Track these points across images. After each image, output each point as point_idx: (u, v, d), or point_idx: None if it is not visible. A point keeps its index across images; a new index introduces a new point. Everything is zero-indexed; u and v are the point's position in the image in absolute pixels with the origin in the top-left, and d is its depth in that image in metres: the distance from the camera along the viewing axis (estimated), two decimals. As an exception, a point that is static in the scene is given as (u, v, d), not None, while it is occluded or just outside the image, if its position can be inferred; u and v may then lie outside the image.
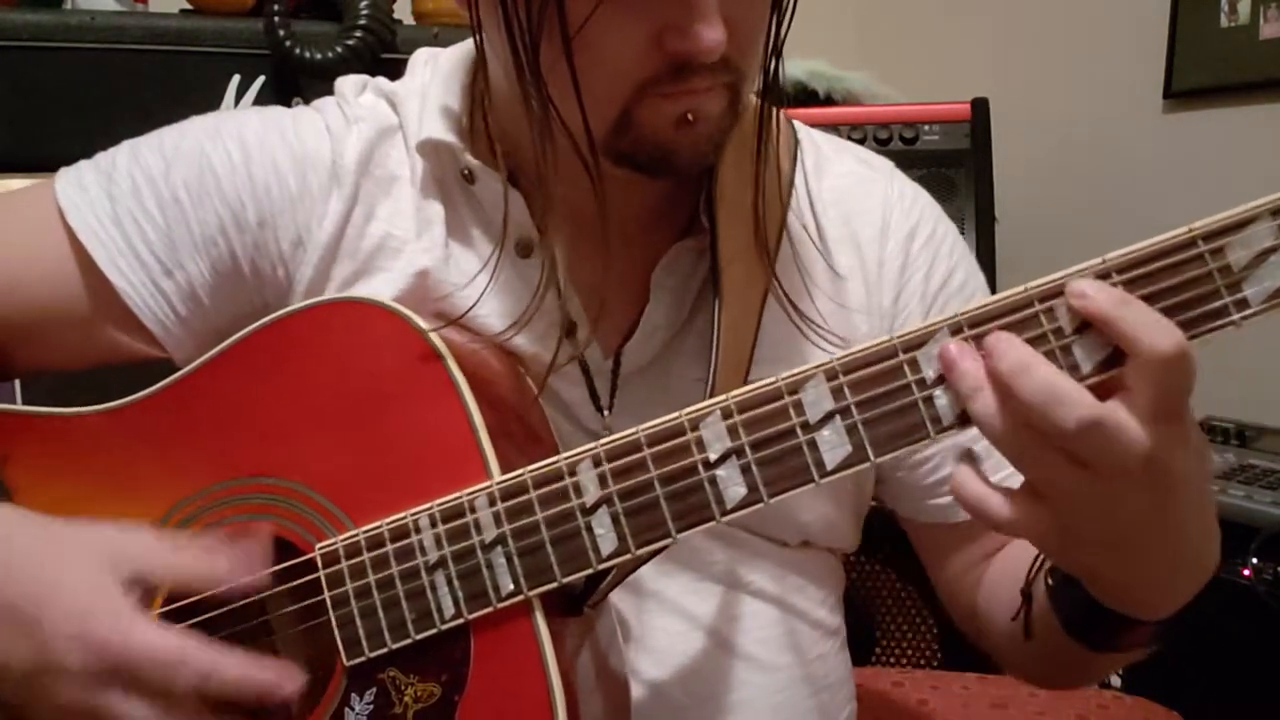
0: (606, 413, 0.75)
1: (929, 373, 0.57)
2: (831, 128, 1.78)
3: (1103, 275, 0.55)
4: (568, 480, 0.62)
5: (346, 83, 0.80)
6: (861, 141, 1.79)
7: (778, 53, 0.66)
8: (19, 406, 0.74)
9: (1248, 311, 0.53)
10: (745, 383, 0.69)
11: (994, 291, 1.79)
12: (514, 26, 0.61)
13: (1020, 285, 0.57)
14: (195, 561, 0.64)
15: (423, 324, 0.67)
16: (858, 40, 2.53)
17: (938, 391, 0.57)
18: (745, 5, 0.62)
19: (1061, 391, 0.52)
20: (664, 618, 0.75)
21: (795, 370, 0.59)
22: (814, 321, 0.72)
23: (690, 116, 0.63)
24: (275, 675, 0.61)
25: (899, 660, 1.62)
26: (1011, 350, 0.53)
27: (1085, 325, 0.54)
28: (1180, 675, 1.58)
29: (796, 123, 0.81)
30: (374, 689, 0.64)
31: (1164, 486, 0.54)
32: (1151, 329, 0.51)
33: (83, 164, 0.76)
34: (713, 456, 0.60)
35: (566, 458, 0.62)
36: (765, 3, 0.64)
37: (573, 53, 0.60)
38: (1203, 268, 0.54)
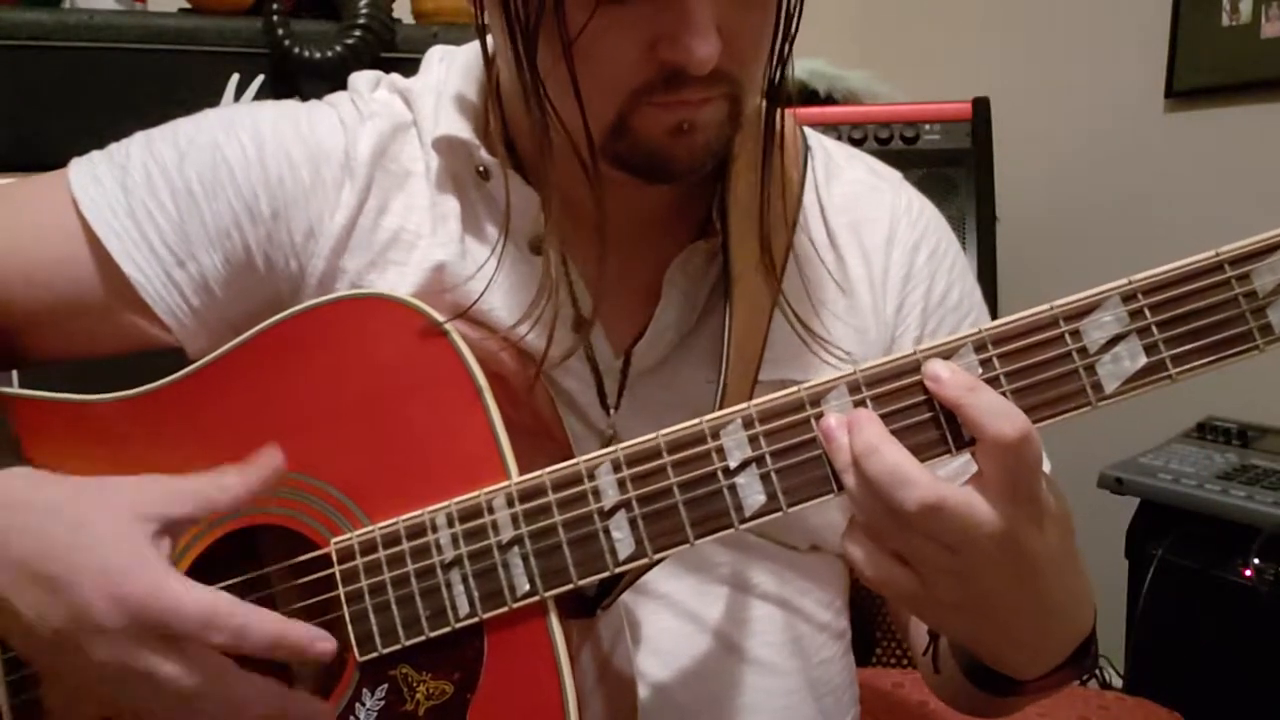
0: (612, 411, 0.74)
1: None
2: (832, 127, 1.78)
3: (1128, 296, 0.55)
4: (587, 484, 0.62)
5: (360, 78, 0.80)
6: (862, 140, 1.78)
7: (781, 65, 0.66)
8: (33, 391, 0.73)
9: (1272, 338, 0.54)
10: (755, 386, 0.70)
11: (995, 293, 1.79)
12: (514, 26, 0.62)
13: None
14: (210, 486, 0.63)
15: (444, 321, 0.67)
16: (858, 39, 2.52)
17: None
18: (743, 17, 0.62)
19: (905, 474, 0.54)
20: (671, 619, 0.75)
21: (818, 381, 0.59)
22: (820, 336, 0.73)
23: (686, 126, 0.64)
24: (307, 634, 0.61)
25: (899, 661, 1.62)
26: (864, 431, 0.56)
27: (1112, 342, 0.55)
28: (1182, 676, 1.58)
29: (807, 129, 0.81)
30: (386, 685, 0.64)
31: (1020, 563, 0.56)
32: (995, 416, 0.54)
33: (95, 155, 0.75)
34: (733, 464, 0.60)
35: (586, 460, 0.62)
36: (766, 15, 0.64)
37: (571, 56, 0.60)
38: (1228, 293, 0.55)
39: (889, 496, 0.55)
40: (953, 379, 0.56)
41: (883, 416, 0.58)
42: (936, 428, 0.57)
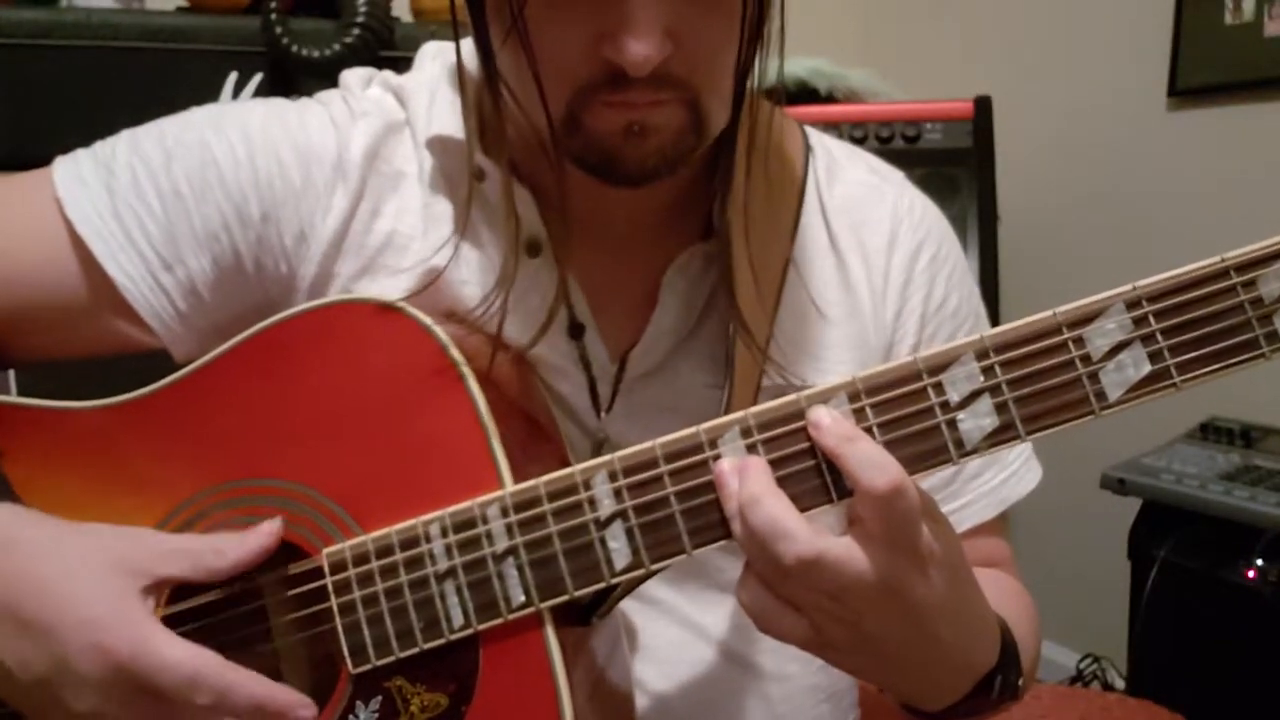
0: (603, 414, 0.74)
1: (953, 396, 0.57)
2: (833, 126, 1.77)
3: (1133, 303, 0.55)
4: (582, 493, 0.61)
5: (352, 75, 0.79)
6: (863, 139, 1.78)
7: (744, 75, 0.64)
8: (20, 399, 0.72)
9: (1278, 345, 0.54)
10: (758, 392, 0.69)
11: (996, 292, 1.78)
12: (472, 12, 0.63)
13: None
14: (207, 550, 0.63)
15: (436, 327, 0.66)
16: (860, 37, 2.52)
17: (962, 415, 0.57)
18: (698, 22, 0.61)
19: (783, 528, 0.54)
20: (669, 627, 0.74)
21: (818, 388, 0.58)
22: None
23: (637, 128, 0.63)
24: (289, 700, 0.61)
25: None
26: (750, 481, 0.56)
27: (1116, 349, 0.55)
28: (1184, 677, 1.57)
29: (808, 128, 0.80)
30: (380, 697, 0.63)
31: (904, 608, 0.56)
32: (868, 467, 0.54)
33: (80, 154, 0.74)
34: None
35: (581, 469, 0.61)
36: (726, 21, 0.62)
37: (528, 40, 0.60)
38: (1234, 299, 0.54)
39: (769, 549, 0.55)
40: (832, 427, 0.56)
41: (885, 424, 0.57)
42: (819, 476, 0.57)
